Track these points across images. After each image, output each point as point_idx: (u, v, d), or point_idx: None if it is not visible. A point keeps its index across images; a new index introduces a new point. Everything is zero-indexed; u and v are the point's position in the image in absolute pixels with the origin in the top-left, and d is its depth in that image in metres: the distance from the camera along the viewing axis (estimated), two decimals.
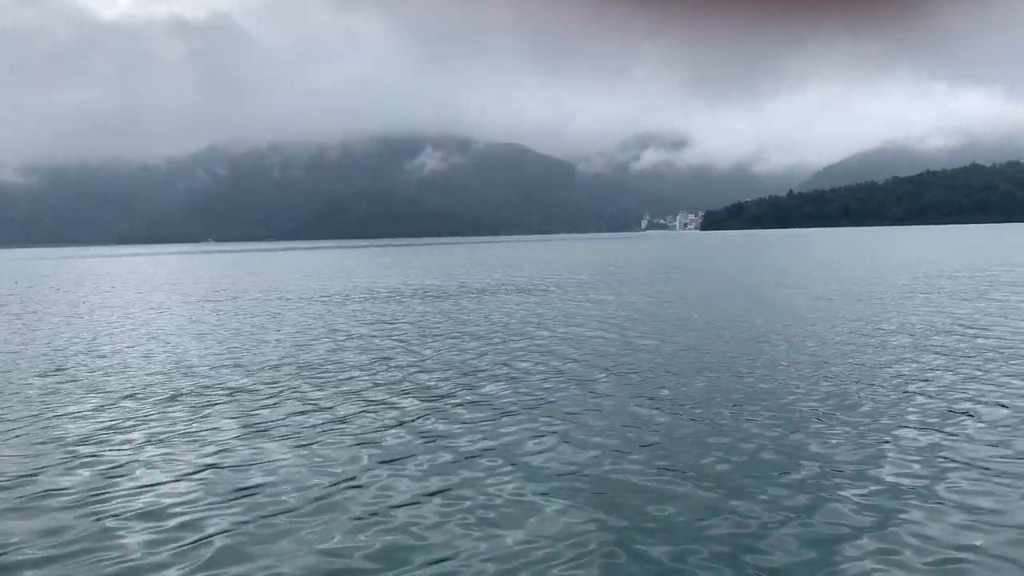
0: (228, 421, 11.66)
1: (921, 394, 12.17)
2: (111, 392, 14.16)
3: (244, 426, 11.33)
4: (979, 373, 13.65)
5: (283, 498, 8.20)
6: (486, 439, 10.30)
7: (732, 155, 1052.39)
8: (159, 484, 8.76)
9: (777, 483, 8.22)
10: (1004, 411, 10.95)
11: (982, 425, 10.26)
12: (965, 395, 11.99)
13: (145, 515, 7.78)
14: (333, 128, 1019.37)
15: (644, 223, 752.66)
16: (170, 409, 12.55)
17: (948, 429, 10.10)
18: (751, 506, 7.60)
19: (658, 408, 11.76)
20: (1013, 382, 12.79)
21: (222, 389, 14.12)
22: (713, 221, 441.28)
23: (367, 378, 14.88)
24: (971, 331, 18.74)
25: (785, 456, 9.14)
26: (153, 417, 12.01)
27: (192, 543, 7.05)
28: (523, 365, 15.87)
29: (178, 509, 7.93)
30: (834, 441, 9.70)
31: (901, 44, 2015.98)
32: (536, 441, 10.14)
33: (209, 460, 9.63)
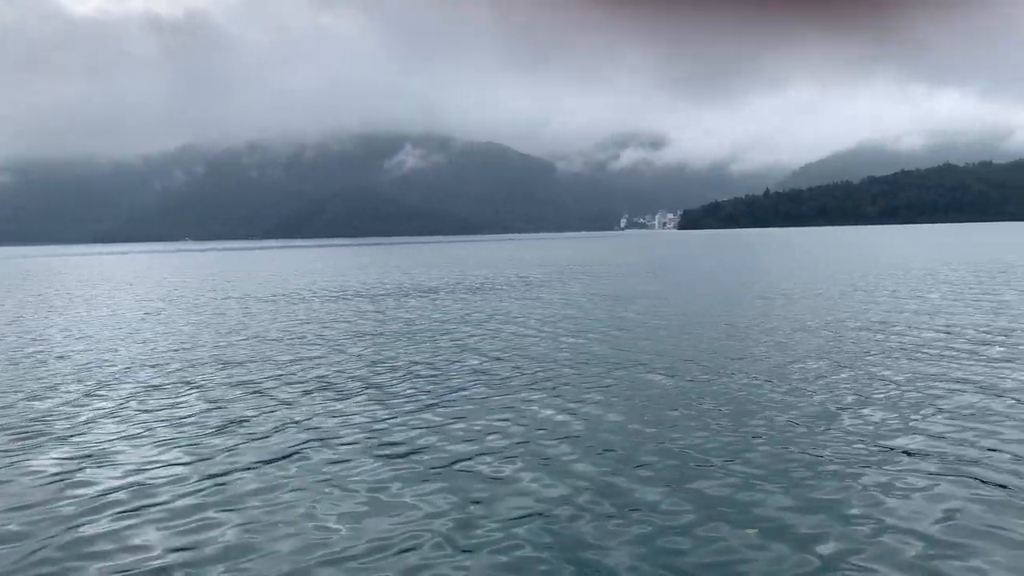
0: (109, 419, 11.46)
1: (807, 393, 12.19)
2: (11, 393, 13.88)
3: (133, 422, 11.14)
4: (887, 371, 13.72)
5: (156, 495, 8.09)
6: (376, 436, 10.20)
7: (710, 154, 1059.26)
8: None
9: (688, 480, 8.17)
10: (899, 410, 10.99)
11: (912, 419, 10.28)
12: (871, 390, 12.03)
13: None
14: (312, 127, 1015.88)
15: (623, 222, 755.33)
16: (54, 402, 12.32)
17: (850, 425, 10.09)
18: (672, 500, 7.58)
19: (569, 402, 11.70)
20: (907, 379, 12.86)
21: (124, 386, 13.89)
22: (691, 220, 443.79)
23: (273, 376, 14.69)
24: (883, 329, 18.85)
25: (696, 455, 9.10)
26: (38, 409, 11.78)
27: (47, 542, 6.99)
28: (438, 363, 15.76)
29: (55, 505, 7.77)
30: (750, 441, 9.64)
31: (878, 46, 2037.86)
32: (428, 437, 10.07)
33: (84, 457, 9.45)
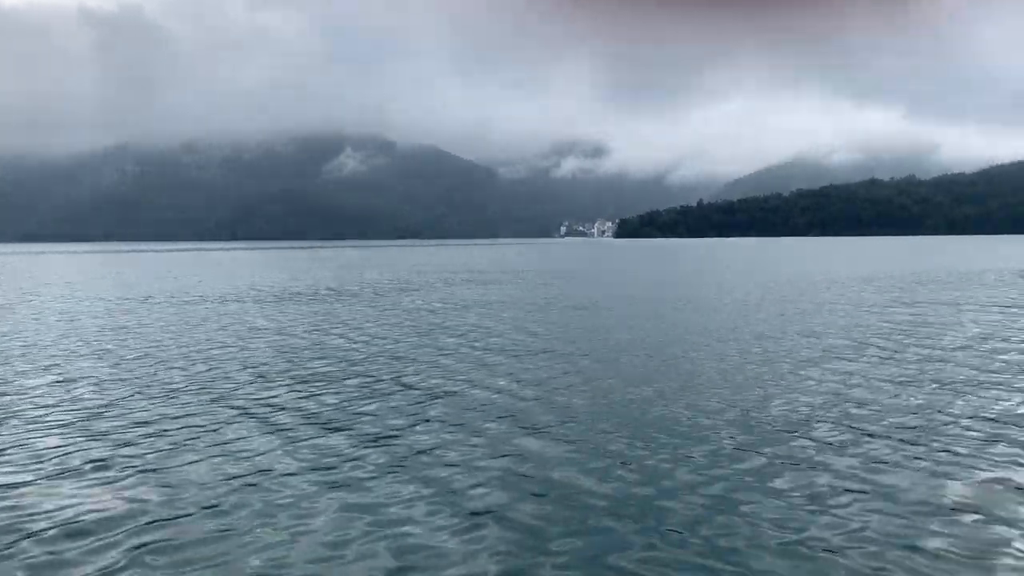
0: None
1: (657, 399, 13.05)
2: None
3: None
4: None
5: None
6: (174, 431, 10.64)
7: (649, 164, 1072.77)
8: None
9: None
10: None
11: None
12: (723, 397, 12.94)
13: None
14: (250, 127, 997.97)
15: (563, 229, 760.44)
16: None
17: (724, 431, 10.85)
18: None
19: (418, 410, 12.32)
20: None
21: None
22: (627, 229, 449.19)
23: (86, 378, 15.01)
24: (743, 339, 19.98)
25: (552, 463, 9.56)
26: None
27: None
28: (261, 368, 16.25)
29: None
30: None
31: (811, 62, 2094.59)
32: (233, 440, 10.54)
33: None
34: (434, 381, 14.42)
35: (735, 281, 44.26)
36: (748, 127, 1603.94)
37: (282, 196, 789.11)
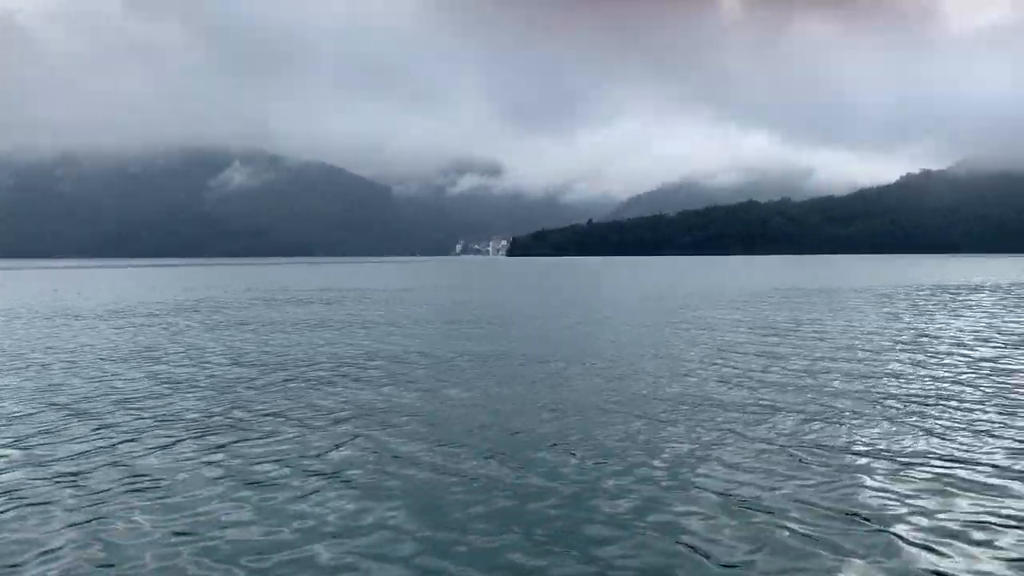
0: None
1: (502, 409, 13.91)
2: None
3: None
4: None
5: None
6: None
7: (545, 183, 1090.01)
8: None
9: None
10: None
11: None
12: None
13: None
14: (132, 140, 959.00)
15: (459, 247, 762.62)
16: None
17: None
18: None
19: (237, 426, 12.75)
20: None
21: None
22: (520, 247, 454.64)
23: None
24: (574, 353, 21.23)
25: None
26: None
27: None
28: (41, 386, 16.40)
29: None
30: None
31: (697, 87, 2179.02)
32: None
33: None
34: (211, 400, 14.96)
35: (579, 298, 46.13)
36: (639, 149, 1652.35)
37: (166, 212, 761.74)
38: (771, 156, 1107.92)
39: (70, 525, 7.81)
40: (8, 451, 10.86)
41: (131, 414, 13.24)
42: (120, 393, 15.32)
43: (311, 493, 8.77)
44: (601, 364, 18.45)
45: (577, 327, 28.03)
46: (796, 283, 63.93)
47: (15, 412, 13.51)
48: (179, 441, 11.32)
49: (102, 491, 8.92)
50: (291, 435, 11.59)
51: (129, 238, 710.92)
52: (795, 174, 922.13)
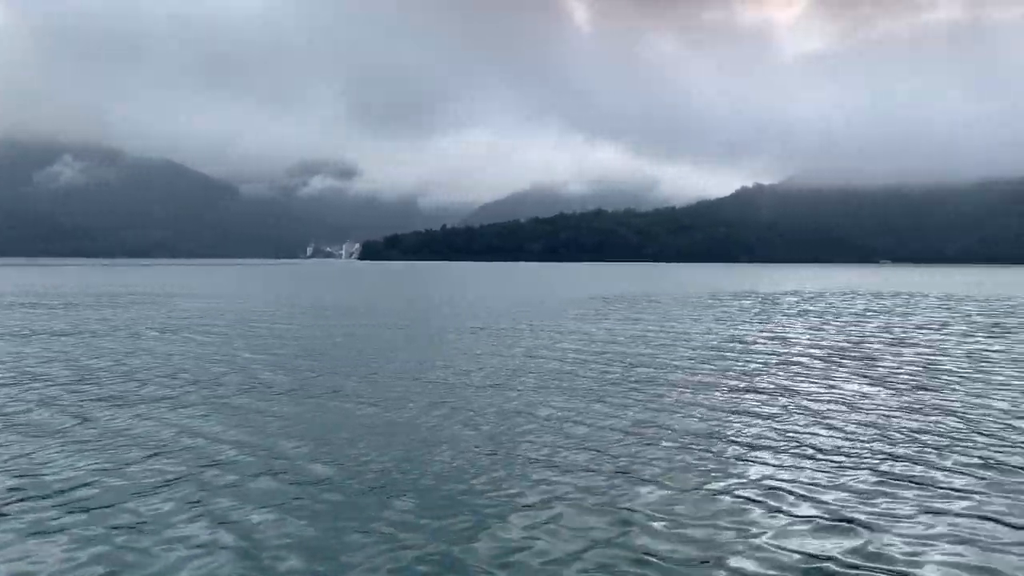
0: None
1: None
2: None
3: None
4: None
5: None
6: None
7: (400, 188, 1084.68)
8: None
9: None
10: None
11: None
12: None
13: None
14: None
15: (309, 250, 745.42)
16: None
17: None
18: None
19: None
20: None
21: None
22: (372, 251, 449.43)
23: None
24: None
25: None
26: None
27: None
28: None
29: None
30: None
31: (548, 97, 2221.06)
32: None
33: None
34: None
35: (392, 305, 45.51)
36: (493, 156, 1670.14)
37: None
38: (619, 167, 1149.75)
39: None
40: None
41: None
42: None
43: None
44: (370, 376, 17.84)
45: (353, 336, 27.33)
46: (620, 291, 65.94)
47: None
48: None
49: None
50: None
51: None
52: (642, 185, 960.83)
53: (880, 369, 18.89)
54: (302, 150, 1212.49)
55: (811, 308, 43.37)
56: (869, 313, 39.31)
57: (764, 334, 27.76)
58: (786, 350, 22.86)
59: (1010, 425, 12.52)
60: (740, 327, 30.51)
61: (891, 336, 27.18)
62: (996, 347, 23.69)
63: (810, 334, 27.84)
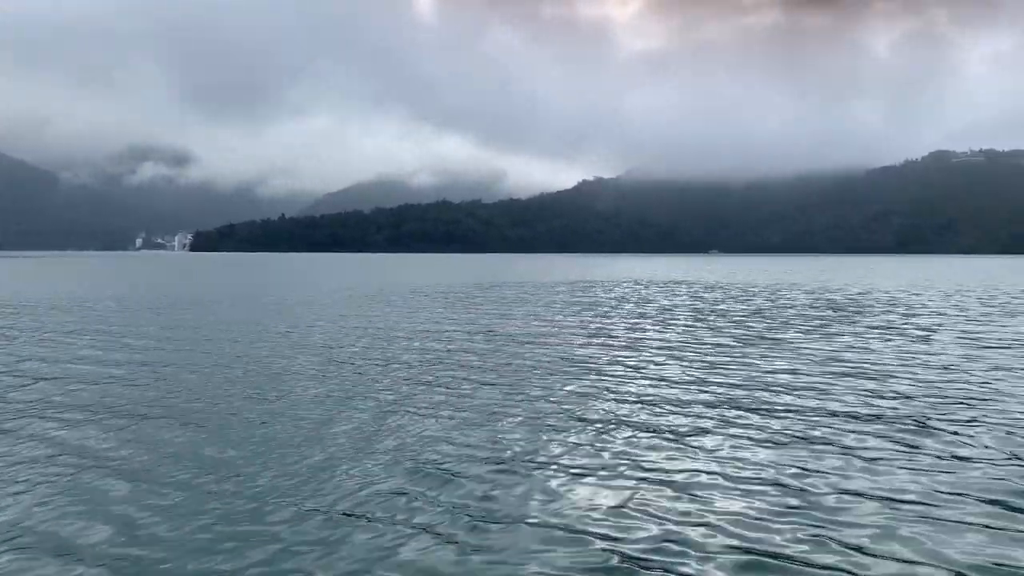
0: None
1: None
2: None
3: None
4: None
5: None
6: None
7: (237, 176, 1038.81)
8: None
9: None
10: None
11: None
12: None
13: None
14: None
15: (139, 241, 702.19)
16: None
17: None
18: None
19: None
20: None
21: None
22: (205, 242, 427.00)
23: None
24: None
25: None
26: None
27: None
28: None
29: None
30: None
31: (391, 84, 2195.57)
32: None
33: None
34: None
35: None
36: (334, 145, 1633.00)
37: None
38: (466, 158, 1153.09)
39: None
40: None
41: None
42: None
43: None
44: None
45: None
46: (439, 281, 64.59)
47: None
48: None
49: None
50: None
51: None
52: (490, 177, 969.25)
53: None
54: (128, 135, 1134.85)
55: (583, 297, 43.64)
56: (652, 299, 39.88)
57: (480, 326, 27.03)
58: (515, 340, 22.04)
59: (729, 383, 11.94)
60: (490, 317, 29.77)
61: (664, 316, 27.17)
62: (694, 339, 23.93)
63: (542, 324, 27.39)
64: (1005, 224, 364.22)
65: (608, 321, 27.87)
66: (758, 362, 17.60)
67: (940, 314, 31.03)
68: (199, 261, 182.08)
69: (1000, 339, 22.06)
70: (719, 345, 20.60)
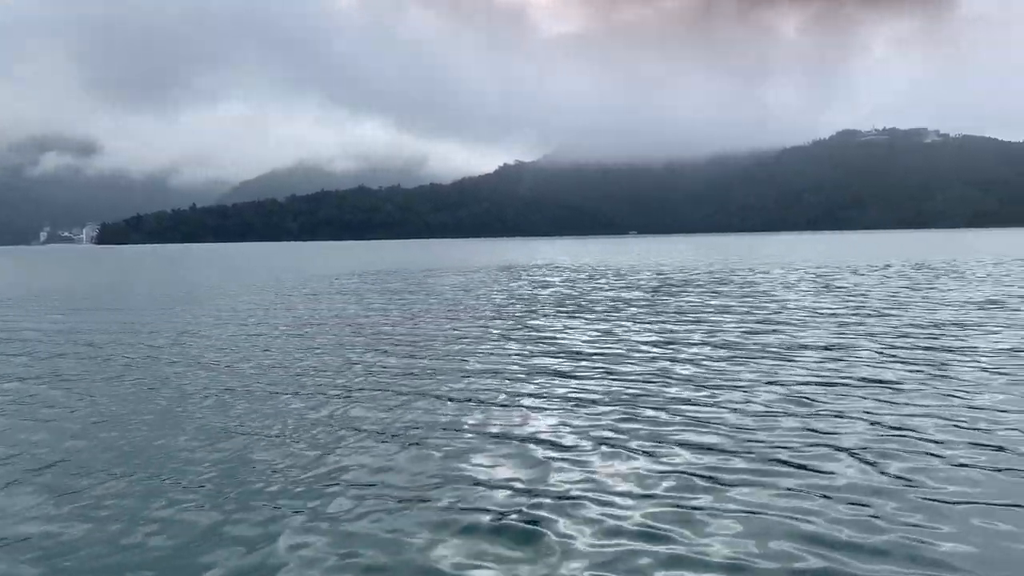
0: None
1: None
2: None
3: None
4: None
5: None
6: None
7: (149, 165, 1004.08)
8: None
9: None
10: None
11: None
12: None
13: None
14: None
15: (44, 235, 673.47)
16: None
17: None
18: None
19: None
20: None
21: None
22: (112, 234, 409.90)
23: None
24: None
25: None
26: None
27: None
28: None
29: None
30: None
31: (308, 69, 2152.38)
32: None
33: None
34: None
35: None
36: (249, 132, 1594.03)
37: None
38: (388, 143, 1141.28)
39: None
40: None
41: None
42: None
43: None
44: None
45: None
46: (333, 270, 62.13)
47: None
48: None
49: None
50: None
51: None
52: (412, 162, 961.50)
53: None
54: (29, 124, 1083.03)
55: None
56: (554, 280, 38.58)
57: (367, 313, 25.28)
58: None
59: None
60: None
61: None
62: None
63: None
64: (908, 200, 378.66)
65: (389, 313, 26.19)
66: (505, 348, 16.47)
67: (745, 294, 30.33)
68: (95, 254, 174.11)
69: (767, 317, 21.08)
70: (464, 336, 19.11)
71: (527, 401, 11.43)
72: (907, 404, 10.64)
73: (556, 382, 12.74)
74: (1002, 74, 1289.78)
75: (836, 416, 10.05)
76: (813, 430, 9.36)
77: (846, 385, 11.96)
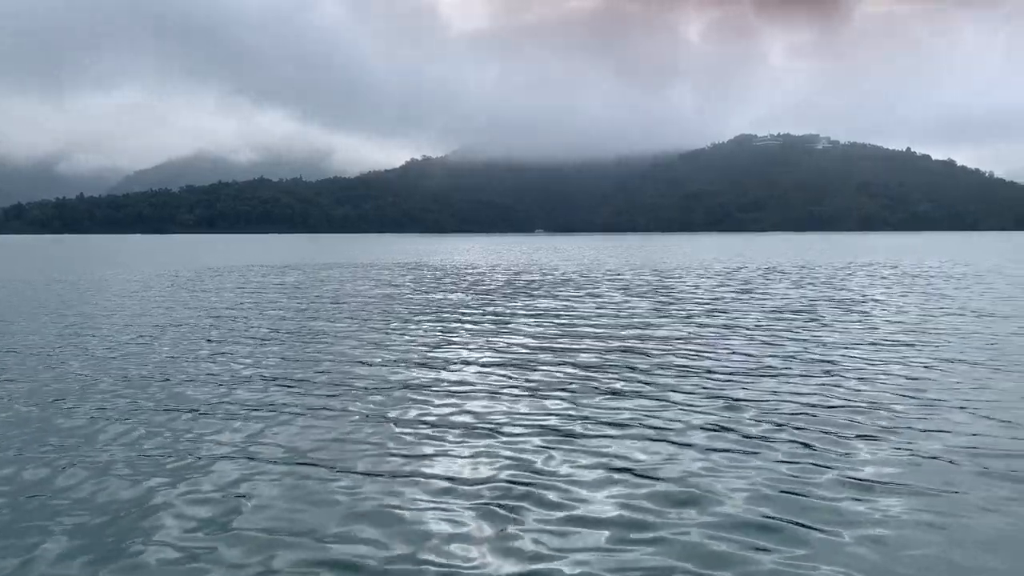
0: None
1: None
2: None
3: None
4: None
5: None
6: None
7: (34, 151, 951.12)
8: None
9: None
10: None
11: None
12: None
13: None
14: None
15: None
16: None
17: None
18: None
19: None
20: None
21: None
22: None
23: None
24: None
25: None
26: None
27: None
28: None
29: None
30: None
31: (208, 55, 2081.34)
32: None
33: None
34: None
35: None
36: (145, 119, 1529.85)
37: None
38: (291, 134, 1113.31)
39: None
40: None
41: None
42: None
43: None
44: None
45: None
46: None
47: None
48: None
49: None
50: None
51: None
52: (317, 154, 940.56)
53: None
54: None
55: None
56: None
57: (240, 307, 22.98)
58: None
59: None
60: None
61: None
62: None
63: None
64: (801, 204, 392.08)
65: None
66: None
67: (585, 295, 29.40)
68: None
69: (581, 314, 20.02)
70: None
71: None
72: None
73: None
74: (886, 86, 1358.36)
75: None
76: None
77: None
